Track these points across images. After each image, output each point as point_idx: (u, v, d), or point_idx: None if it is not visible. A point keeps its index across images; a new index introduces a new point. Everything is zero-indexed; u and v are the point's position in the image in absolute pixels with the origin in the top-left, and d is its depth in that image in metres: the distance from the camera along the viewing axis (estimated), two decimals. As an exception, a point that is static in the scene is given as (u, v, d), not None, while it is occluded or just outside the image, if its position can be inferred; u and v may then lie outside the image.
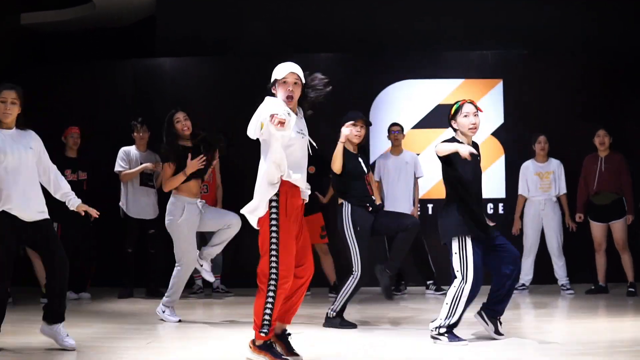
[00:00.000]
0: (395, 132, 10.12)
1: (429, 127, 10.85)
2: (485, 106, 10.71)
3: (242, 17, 11.91)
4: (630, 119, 10.75)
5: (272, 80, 5.60)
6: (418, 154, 10.47)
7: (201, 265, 7.84)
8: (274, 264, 5.41)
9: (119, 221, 10.04)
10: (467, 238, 6.28)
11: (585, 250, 9.98)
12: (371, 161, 10.07)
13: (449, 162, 6.36)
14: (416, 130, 10.92)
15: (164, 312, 7.87)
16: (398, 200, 9.94)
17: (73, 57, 12.95)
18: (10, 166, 6.15)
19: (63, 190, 6.49)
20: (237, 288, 10.20)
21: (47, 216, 6.30)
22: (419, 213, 10.30)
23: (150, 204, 10.06)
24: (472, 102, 6.48)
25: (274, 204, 5.45)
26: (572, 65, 11.02)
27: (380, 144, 10.84)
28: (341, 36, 11.70)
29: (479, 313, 6.58)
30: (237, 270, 10.45)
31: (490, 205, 10.79)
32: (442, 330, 6.34)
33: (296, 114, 5.57)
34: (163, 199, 10.06)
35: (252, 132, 5.45)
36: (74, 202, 6.49)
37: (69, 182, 9.72)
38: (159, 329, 7.52)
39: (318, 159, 8.48)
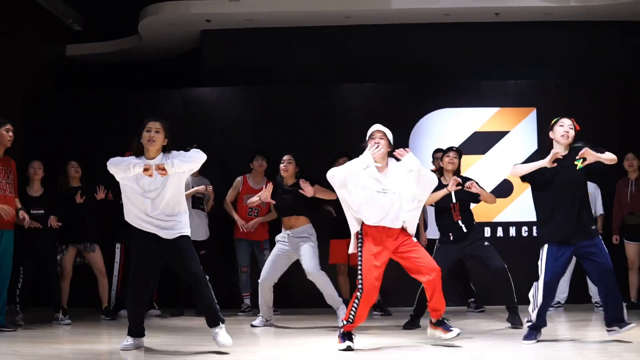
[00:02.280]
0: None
1: (467, 153, 10.91)
2: (520, 134, 11.18)
3: (286, 47, 12.29)
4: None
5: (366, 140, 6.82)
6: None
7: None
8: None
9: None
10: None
11: (618, 269, 10.21)
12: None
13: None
14: (454, 156, 11.09)
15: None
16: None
17: (120, 88, 13.08)
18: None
19: None
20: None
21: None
22: None
23: (202, 225, 10.24)
24: (571, 119, 7.20)
25: None
26: (604, 93, 11.25)
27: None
28: (382, 66, 12.04)
29: None
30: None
31: (524, 229, 11.06)
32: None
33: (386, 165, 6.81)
34: (213, 221, 10.49)
35: None
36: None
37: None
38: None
39: None
